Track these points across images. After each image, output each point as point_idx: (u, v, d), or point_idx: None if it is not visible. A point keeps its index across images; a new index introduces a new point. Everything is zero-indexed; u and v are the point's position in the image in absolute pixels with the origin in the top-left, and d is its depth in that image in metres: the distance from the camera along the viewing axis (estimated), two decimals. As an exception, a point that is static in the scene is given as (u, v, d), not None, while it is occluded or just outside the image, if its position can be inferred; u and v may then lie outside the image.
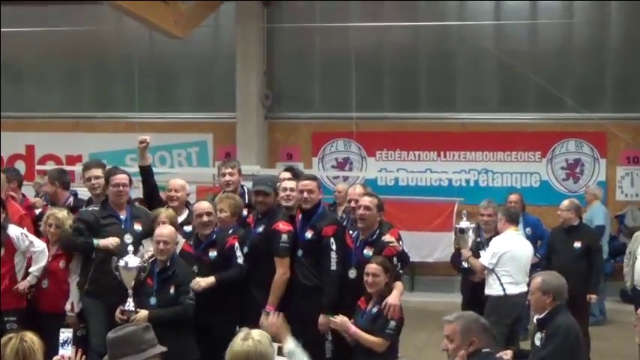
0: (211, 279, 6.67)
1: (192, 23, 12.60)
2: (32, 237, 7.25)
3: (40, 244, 7.22)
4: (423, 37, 13.88)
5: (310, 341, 6.69)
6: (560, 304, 5.55)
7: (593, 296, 9.22)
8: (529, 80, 13.17)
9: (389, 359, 6.09)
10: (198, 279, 6.63)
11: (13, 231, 7.22)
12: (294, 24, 13.98)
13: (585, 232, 9.49)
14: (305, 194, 6.85)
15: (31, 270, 7.18)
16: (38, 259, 7.18)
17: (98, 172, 7.41)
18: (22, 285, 7.15)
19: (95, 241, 6.96)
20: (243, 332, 3.94)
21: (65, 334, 4.89)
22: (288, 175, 7.74)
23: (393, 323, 6.11)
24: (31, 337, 3.84)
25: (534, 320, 5.68)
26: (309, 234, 6.81)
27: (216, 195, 7.74)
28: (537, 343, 5.54)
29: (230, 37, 14.21)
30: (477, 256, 8.24)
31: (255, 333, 3.93)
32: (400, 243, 6.95)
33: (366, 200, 6.81)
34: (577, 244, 9.20)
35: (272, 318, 6.19)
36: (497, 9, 13.79)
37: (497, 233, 8.40)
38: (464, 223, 7.79)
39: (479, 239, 8.66)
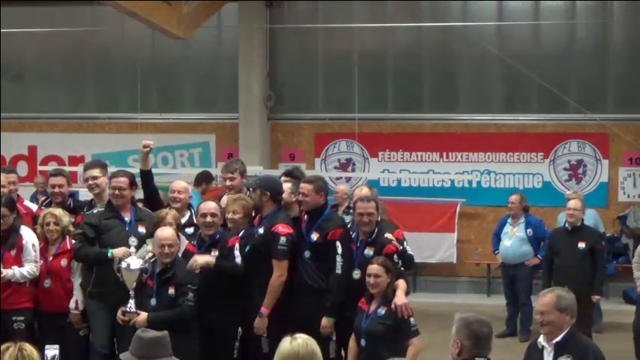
0: (211, 259, 6.63)
1: (195, 24, 12.58)
2: (38, 256, 7.15)
3: (36, 270, 7.11)
4: (425, 38, 13.87)
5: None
6: (574, 322, 5.08)
7: (597, 297, 9.21)
8: (532, 81, 13.17)
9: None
10: (196, 257, 6.59)
11: (28, 236, 7.17)
12: (297, 25, 13.97)
13: (589, 233, 9.49)
14: (300, 197, 6.91)
15: (19, 269, 7.06)
16: (27, 274, 7.10)
17: (96, 172, 7.39)
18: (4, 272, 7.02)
19: (109, 251, 6.86)
20: (289, 336, 4.06)
21: (52, 351, 4.89)
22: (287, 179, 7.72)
23: (412, 320, 6.12)
24: (30, 348, 3.82)
25: (550, 344, 5.04)
26: (314, 236, 6.80)
27: (221, 196, 7.74)
28: None
29: (233, 38, 14.21)
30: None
31: (302, 335, 4.05)
32: (405, 243, 6.95)
33: (370, 207, 6.79)
34: (581, 245, 9.19)
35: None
36: (499, 10, 13.78)
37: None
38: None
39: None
